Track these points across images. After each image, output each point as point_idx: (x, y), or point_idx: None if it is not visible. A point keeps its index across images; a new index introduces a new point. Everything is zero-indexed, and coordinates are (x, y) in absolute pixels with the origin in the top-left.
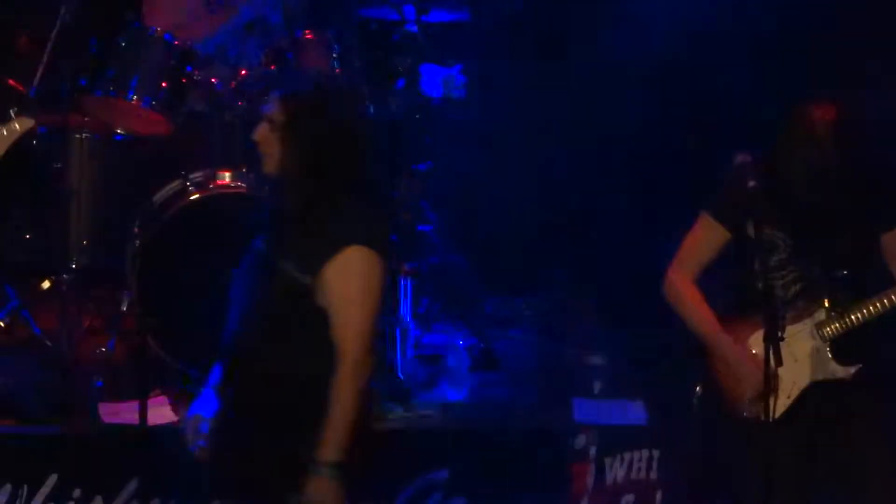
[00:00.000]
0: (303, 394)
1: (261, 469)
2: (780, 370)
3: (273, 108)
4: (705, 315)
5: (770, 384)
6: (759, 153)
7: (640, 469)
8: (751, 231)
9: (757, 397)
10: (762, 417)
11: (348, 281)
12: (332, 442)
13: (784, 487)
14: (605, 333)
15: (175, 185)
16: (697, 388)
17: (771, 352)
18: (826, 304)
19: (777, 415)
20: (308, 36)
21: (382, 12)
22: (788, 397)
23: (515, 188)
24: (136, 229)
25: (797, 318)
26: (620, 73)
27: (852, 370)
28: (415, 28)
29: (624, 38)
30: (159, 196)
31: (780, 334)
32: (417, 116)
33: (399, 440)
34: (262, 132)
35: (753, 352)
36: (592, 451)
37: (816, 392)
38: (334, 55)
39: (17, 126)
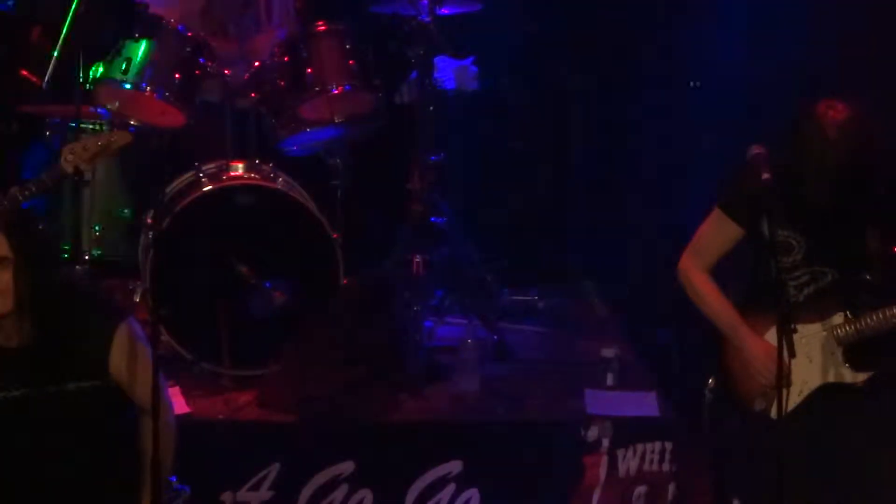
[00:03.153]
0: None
1: None
2: (793, 368)
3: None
4: (721, 304)
5: (782, 377)
6: (773, 146)
7: (652, 461)
8: (765, 229)
9: (768, 391)
10: (771, 411)
11: (134, 357)
12: (151, 496)
13: (795, 483)
14: (618, 325)
15: (188, 176)
16: (710, 381)
17: (784, 342)
18: (843, 308)
19: (784, 412)
20: (321, 27)
21: (396, 7)
22: (799, 394)
23: (529, 180)
24: (148, 220)
25: (811, 319)
26: (636, 62)
27: (864, 377)
28: (428, 19)
29: (637, 26)
30: (172, 187)
31: (792, 325)
32: (430, 108)
33: (412, 432)
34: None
35: (772, 346)
36: (605, 442)
37: (827, 394)
38: (347, 46)
39: (115, 139)
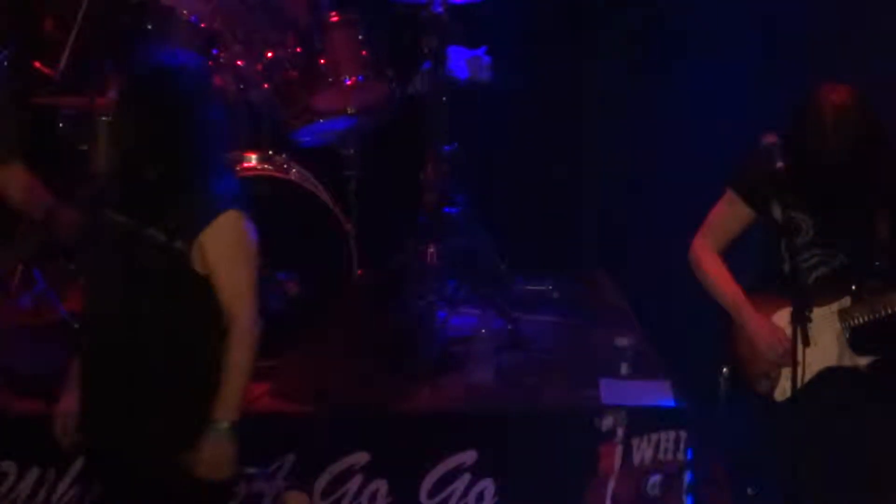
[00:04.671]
0: (186, 358)
1: (153, 438)
2: (798, 350)
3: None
4: (728, 285)
5: (796, 363)
6: (785, 134)
7: (667, 450)
8: (777, 212)
9: (771, 373)
10: (774, 394)
11: (229, 245)
12: (230, 402)
13: (808, 470)
14: (633, 314)
15: None
16: (724, 369)
17: (798, 332)
18: (850, 292)
19: (787, 394)
20: (334, 18)
21: None
22: (803, 377)
23: (543, 169)
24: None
25: (819, 303)
26: (650, 50)
27: (868, 361)
28: (440, 9)
29: (651, 12)
30: None
31: (808, 314)
32: (443, 98)
33: (426, 422)
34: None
35: (776, 324)
36: (620, 431)
37: (830, 377)
38: (360, 37)
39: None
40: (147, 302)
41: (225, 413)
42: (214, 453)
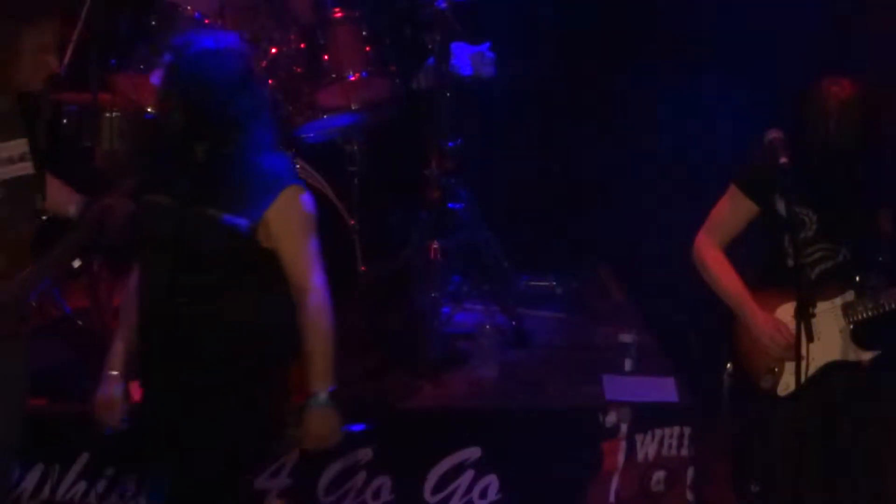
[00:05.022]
0: (260, 333)
1: (241, 424)
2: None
3: (165, 60)
4: (730, 280)
5: (800, 358)
6: (788, 128)
7: (671, 446)
8: (780, 207)
9: (774, 368)
10: (777, 390)
11: (295, 220)
12: (323, 371)
13: (811, 466)
14: (637, 311)
15: None
16: (728, 365)
17: (803, 327)
18: (854, 287)
19: (790, 389)
20: (337, 14)
21: None
22: (805, 372)
23: (546, 165)
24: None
25: (822, 297)
26: (651, 46)
27: (870, 355)
28: (444, 5)
29: (653, 10)
30: None
31: (811, 310)
32: (447, 94)
33: (431, 418)
34: (159, 77)
35: (779, 318)
36: (623, 428)
37: (834, 372)
38: (364, 33)
39: None
40: (216, 282)
41: (321, 383)
42: (320, 424)
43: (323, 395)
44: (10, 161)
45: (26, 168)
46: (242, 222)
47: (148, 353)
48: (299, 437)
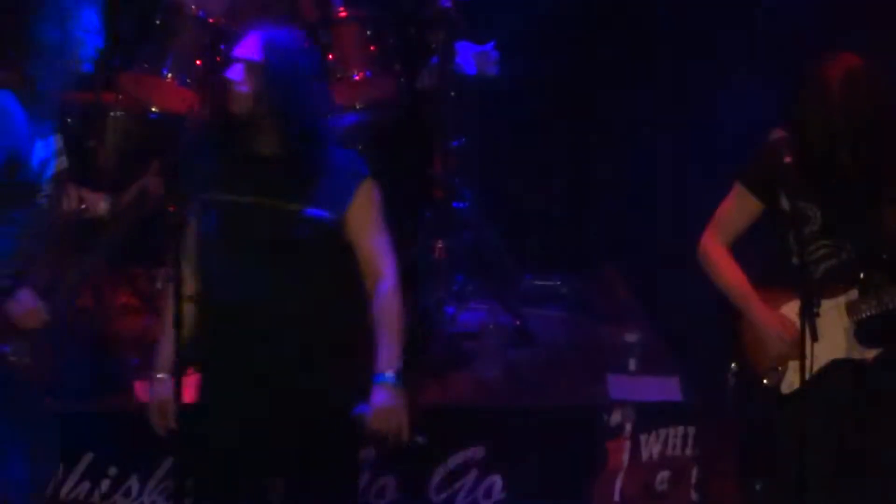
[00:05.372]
0: (342, 323)
1: (325, 411)
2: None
3: (252, 51)
4: (736, 277)
5: (804, 356)
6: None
7: (675, 446)
8: (784, 203)
9: (778, 366)
10: (781, 387)
11: (374, 211)
12: (392, 353)
13: (816, 465)
14: (641, 310)
15: None
16: (733, 365)
17: (807, 327)
18: (857, 285)
19: (794, 387)
20: (342, 13)
21: None
22: (808, 370)
23: (551, 165)
24: (170, 208)
25: (826, 295)
26: (657, 45)
27: (873, 354)
28: (448, 4)
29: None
30: None
31: (815, 310)
32: (452, 93)
33: (435, 418)
34: (241, 74)
35: (784, 315)
36: (628, 427)
37: (837, 371)
38: (368, 32)
39: None
40: (301, 276)
41: (388, 365)
42: (386, 405)
43: (390, 374)
44: (60, 153)
45: (64, 162)
46: (327, 215)
47: (222, 351)
48: (365, 419)
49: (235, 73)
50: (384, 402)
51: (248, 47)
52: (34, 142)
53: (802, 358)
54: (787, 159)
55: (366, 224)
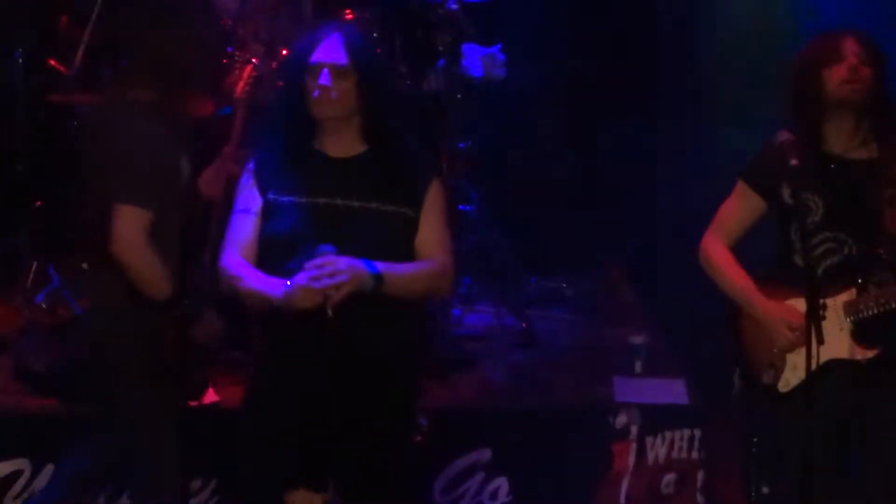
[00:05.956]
0: (415, 314)
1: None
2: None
3: (336, 54)
4: (738, 275)
5: (810, 357)
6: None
7: (681, 448)
8: (786, 196)
9: (776, 363)
10: (779, 384)
11: (442, 205)
12: (399, 274)
13: (821, 467)
14: (647, 312)
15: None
16: (738, 367)
17: (813, 329)
18: (856, 284)
19: (790, 386)
20: (348, 16)
21: None
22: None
23: (557, 166)
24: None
25: (827, 294)
26: (663, 47)
27: (870, 354)
28: (455, 7)
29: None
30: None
31: (822, 312)
32: (458, 96)
33: (441, 420)
34: (329, 78)
35: (789, 305)
36: (634, 430)
37: (836, 370)
38: (375, 34)
39: None
40: None
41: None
42: (354, 268)
43: (376, 267)
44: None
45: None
46: (411, 212)
47: (305, 350)
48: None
49: (324, 78)
50: (352, 264)
51: (331, 50)
52: None
53: (808, 360)
54: (794, 162)
55: (436, 216)
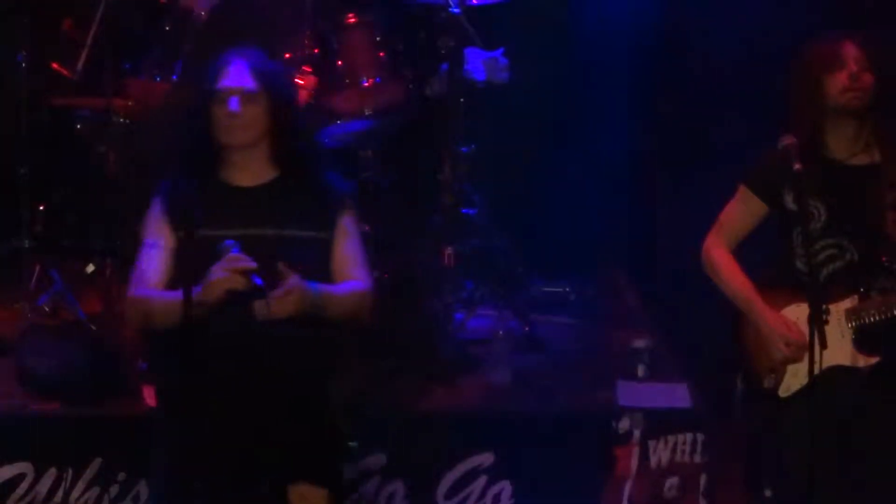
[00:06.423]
0: (335, 334)
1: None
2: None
3: (244, 79)
4: (739, 280)
5: (813, 362)
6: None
7: (684, 452)
8: (789, 201)
9: (777, 368)
10: (779, 390)
11: (356, 226)
12: (317, 293)
13: (824, 470)
14: (650, 316)
15: None
16: (741, 371)
17: (815, 334)
18: (858, 291)
19: (791, 391)
20: (351, 19)
21: None
22: (805, 375)
23: (561, 171)
24: None
25: (829, 300)
26: (665, 48)
27: (871, 361)
28: (458, 10)
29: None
30: None
31: (825, 317)
32: (461, 100)
33: (443, 424)
34: (238, 104)
35: (788, 318)
36: (637, 434)
37: (838, 377)
38: (377, 38)
39: None
40: None
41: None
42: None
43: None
44: None
45: None
46: (325, 235)
47: (224, 377)
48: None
49: (233, 104)
50: (298, 283)
51: (239, 76)
52: None
53: (811, 363)
54: (797, 166)
55: (349, 238)
